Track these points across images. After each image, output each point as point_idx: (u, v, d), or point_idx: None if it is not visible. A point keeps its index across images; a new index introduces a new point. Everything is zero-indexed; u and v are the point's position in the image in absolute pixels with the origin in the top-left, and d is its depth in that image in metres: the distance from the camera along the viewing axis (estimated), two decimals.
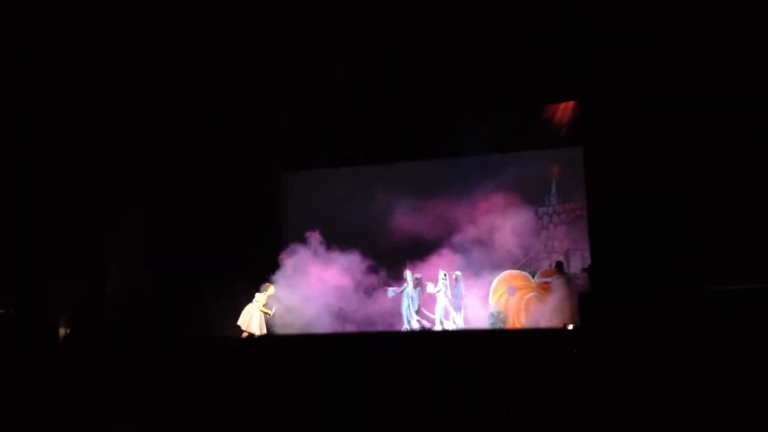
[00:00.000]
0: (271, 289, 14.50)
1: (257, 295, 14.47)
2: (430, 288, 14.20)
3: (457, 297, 14.17)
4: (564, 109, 13.98)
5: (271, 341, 13.60)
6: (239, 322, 14.32)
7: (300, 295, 15.20)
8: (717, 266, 10.56)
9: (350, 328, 15.24)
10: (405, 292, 14.23)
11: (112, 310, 13.44)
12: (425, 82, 12.91)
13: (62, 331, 12.69)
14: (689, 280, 10.62)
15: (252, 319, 14.29)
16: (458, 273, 14.32)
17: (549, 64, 12.21)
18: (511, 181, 15.28)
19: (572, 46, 11.87)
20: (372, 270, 15.19)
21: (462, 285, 14.24)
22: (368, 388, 7.40)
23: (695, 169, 11.23)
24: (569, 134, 14.11)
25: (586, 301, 11.95)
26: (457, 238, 15.01)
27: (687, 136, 11.30)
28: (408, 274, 14.36)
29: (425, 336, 13.18)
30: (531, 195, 15.53)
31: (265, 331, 14.45)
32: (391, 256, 15.27)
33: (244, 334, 14.21)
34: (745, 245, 10.58)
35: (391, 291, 14.38)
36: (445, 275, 14.15)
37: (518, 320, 14.52)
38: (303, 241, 15.67)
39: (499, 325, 14.24)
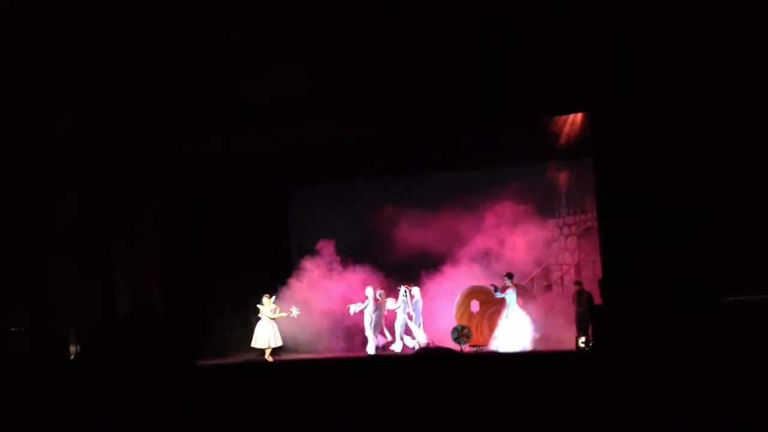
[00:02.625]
0: (265, 299, 14.56)
1: (260, 308, 14.50)
2: (389, 304, 14.25)
3: (417, 311, 14.23)
4: (572, 122, 13.95)
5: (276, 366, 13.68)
6: (254, 344, 14.41)
7: (311, 310, 15.15)
8: (729, 276, 10.48)
9: (358, 340, 15.20)
10: (367, 309, 14.24)
11: (123, 328, 13.43)
12: (437, 95, 12.93)
13: (73, 349, 12.71)
14: (701, 290, 10.55)
15: (264, 334, 14.36)
16: (417, 288, 14.40)
17: (558, 75, 12.20)
18: (521, 194, 15.22)
19: (580, 58, 11.86)
20: (382, 284, 15.12)
21: (420, 299, 14.33)
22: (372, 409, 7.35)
23: (706, 180, 11.17)
24: (578, 146, 14.06)
25: (598, 312, 11.91)
26: (466, 251, 14.96)
27: (696, 147, 11.25)
28: (369, 290, 14.38)
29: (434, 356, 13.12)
30: (541, 207, 15.45)
31: (280, 342, 14.52)
32: (402, 269, 15.24)
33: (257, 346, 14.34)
34: (757, 255, 10.50)
35: (353, 307, 14.40)
36: (405, 291, 14.24)
37: (481, 334, 14.55)
38: (314, 253, 15.68)
39: (463, 340, 14.20)
